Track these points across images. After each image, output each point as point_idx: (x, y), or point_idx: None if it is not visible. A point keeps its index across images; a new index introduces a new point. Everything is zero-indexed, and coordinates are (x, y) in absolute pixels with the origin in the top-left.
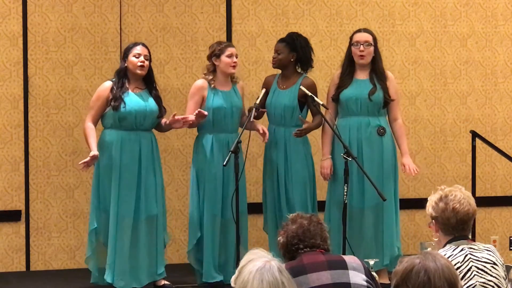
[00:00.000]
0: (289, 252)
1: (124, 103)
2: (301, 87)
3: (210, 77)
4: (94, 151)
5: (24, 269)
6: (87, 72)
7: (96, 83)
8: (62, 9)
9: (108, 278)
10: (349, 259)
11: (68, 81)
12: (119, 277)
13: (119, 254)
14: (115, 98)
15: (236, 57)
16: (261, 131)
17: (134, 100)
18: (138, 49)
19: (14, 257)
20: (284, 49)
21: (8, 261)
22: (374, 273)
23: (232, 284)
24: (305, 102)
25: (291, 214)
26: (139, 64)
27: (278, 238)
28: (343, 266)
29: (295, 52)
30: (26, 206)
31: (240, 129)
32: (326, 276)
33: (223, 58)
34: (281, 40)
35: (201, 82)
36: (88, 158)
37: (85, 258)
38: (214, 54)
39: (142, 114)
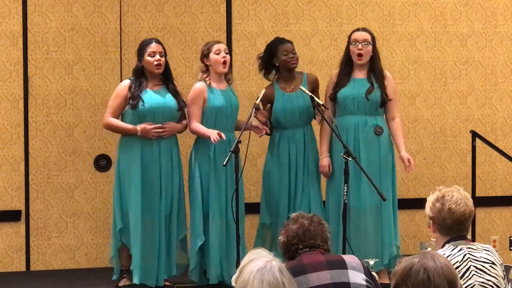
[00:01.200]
0: (289, 251)
1: (143, 101)
2: (301, 87)
3: (205, 75)
4: (140, 125)
5: (24, 269)
6: (87, 72)
7: (96, 83)
8: (62, 9)
9: (134, 278)
10: (349, 258)
11: (68, 81)
12: (145, 276)
13: (144, 254)
14: (133, 97)
15: (226, 52)
16: (260, 127)
17: (152, 97)
18: (153, 47)
19: (14, 257)
20: (295, 49)
21: (8, 261)
22: (374, 273)
23: (233, 284)
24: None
25: (293, 214)
26: (156, 63)
27: (279, 237)
28: (343, 265)
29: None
30: (26, 206)
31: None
32: (325, 276)
33: (212, 56)
34: (287, 41)
35: (199, 85)
36: (158, 129)
37: (110, 258)
38: (203, 55)
39: (161, 110)
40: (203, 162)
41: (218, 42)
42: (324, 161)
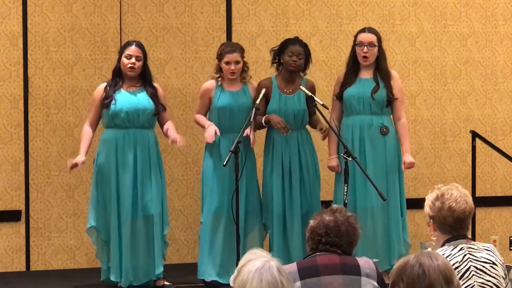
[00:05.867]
0: (312, 239)
1: (115, 101)
2: (301, 87)
3: (218, 75)
4: (80, 157)
5: (24, 269)
6: (87, 72)
7: (96, 83)
8: (62, 9)
9: (112, 277)
10: (364, 263)
11: (68, 81)
12: (124, 276)
13: (120, 253)
14: (106, 97)
15: (237, 63)
16: (251, 138)
17: (125, 97)
18: (130, 50)
19: (14, 257)
20: (303, 54)
21: (8, 261)
22: None
23: (231, 284)
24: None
25: (335, 206)
26: (129, 66)
27: (310, 221)
28: (357, 271)
29: (307, 58)
30: (26, 206)
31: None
32: (338, 281)
33: (222, 64)
34: (300, 44)
35: (208, 84)
36: (73, 162)
37: (95, 254)
38: (218, 56)
39: (134, 111)
40: (207, 161)
41: (231, 51)
42: (333, 161)
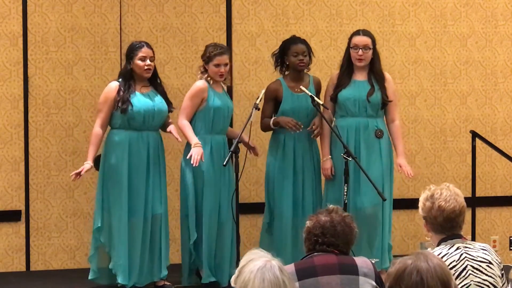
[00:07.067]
0: (309, 239)
1: (132, 105)
2: (302, 87)
3: (206, 75)
4: (87, 165)
5: (24, 269)
6: (87, 72)
7: (96, 83)
8: (62, 9)
9: (119, 279)
10: (361, 263)
11: (68, 81)
12: (131, 277)
13: (130, 254)
14: (123, 101)
15: (226, 65)
16: (252, 145)
17: (141, 100)
18: (143, 52)
19: (14, 257)
20: (306, 51)
21: (8, 261)
22: None
23: (233, 284)
24: None
25: (331, 206)
26: (146, 68)
27: (307, 222)
28: (354, 271)
29: (309, 54)
30: (26, 206)
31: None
32: (335, 281)
33: (210, 66)
34: (301, 42)
35: (201, 83)
36: (81, 169)
37: (89, 256)
38: (204, 59)
39: (151, 114)
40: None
41: (221, 53)
42: (327, 163)
